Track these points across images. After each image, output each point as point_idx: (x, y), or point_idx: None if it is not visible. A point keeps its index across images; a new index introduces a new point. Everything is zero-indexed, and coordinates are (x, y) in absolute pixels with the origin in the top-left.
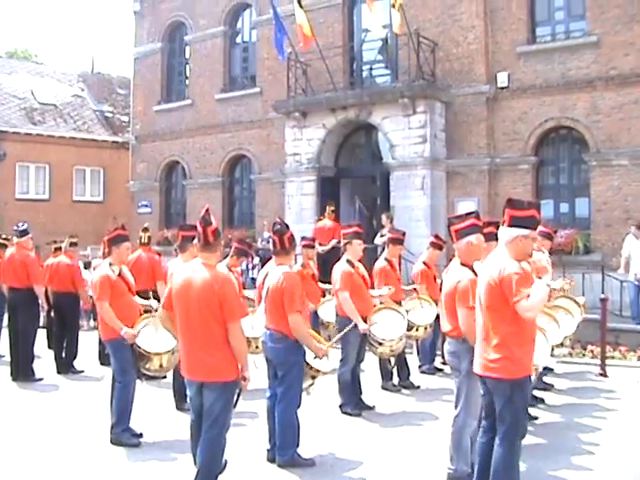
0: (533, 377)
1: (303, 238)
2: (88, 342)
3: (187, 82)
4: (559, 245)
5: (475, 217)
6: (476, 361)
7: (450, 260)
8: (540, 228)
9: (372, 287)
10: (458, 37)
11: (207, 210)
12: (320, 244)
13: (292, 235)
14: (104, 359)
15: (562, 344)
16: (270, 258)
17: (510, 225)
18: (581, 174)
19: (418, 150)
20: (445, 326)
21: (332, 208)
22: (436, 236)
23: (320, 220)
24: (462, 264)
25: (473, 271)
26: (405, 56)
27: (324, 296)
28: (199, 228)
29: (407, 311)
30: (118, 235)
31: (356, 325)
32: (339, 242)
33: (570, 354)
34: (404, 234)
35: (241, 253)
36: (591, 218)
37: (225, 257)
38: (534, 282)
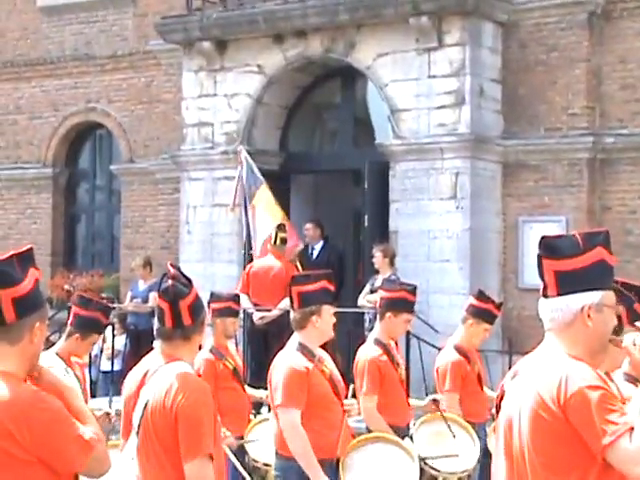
0: None
1: (214, 297)
2: None
3: None
4: None
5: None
6: None
7: (522, 352)
8: None
9: (346, 396)
10: None
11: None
12: (257, 305)
13: (197, 301)
14: None
15: None
16: (150, 337)
17: (560, 291)
18: None
19: (446, 120)
20: None
21: (284, 235)
22: (480, 295)
23: (259, 257)
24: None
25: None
26: None
27: (259, 411)
28: None
29: (423, 447)
30: None
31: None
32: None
33: None
34: (414, 290)
35: (88, 326)
36: None
37: (63, 330)
38: (633, 399)
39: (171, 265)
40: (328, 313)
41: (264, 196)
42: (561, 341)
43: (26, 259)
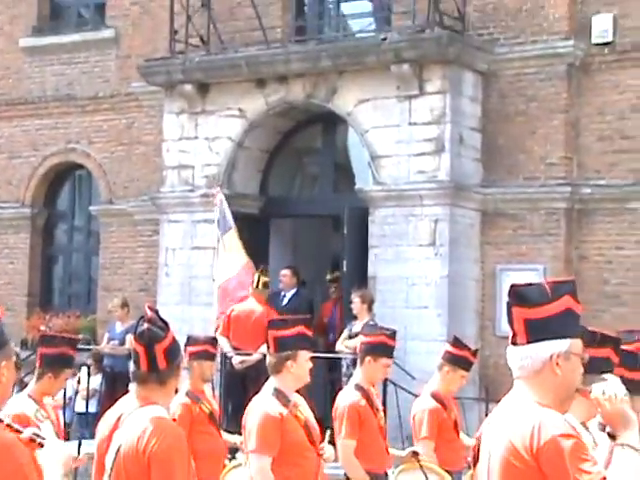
0: None
1: (191, 340)
2: None
3: None
4: None
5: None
6: None
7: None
8: None
9: (322, 441)
10: None
11: None
12: (237, 349)
13: (174, 344)
14: None
15: None
16: (126, 379)
17: (529, 339)
18: None
19: (426, 167)
20: None
21: (266, 279)
22: (456, 342)
23: (241, 300)
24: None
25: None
26: None
27: (234, 456)
28: None
29: None
30: None
31: None
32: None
33: None
34: (394, 335)
35: (58, 363)
36: None
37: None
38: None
39: (149, 307)
40: (304, 358)
41: (230, 241)
42: (530, 388)
43: None
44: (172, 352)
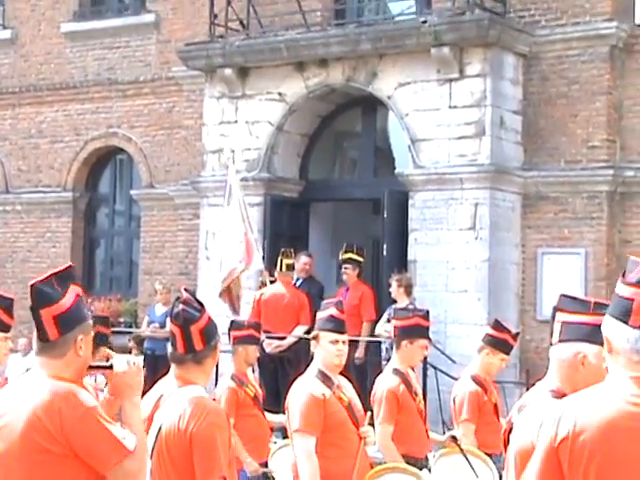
0: None
1: (235, 325)
2: None
3: None
4: None
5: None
6: None
7: (529, 385)
8: None
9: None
10: None
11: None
12: (267, 332)
13: (209, 325)
14: None
15: None
16: (168, 362)
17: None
18: None
19: (466, 151)
20: None
21: (289, 261)
22: (496, 325)
23: (267, 285)
24: (556, 394)
25: None
26: None
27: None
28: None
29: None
30: None
31: None
32: (310, 331)
33: None
34: (427, 315)
35: (95, 341)
36: None
37: None
38: None
39: (184, 290)
40: (326, 340)
41: (227, 217)
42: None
43: (65, 277)
44: (208, 332)
